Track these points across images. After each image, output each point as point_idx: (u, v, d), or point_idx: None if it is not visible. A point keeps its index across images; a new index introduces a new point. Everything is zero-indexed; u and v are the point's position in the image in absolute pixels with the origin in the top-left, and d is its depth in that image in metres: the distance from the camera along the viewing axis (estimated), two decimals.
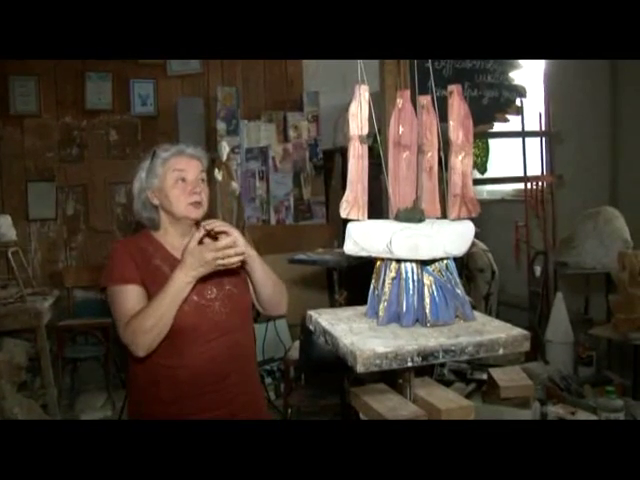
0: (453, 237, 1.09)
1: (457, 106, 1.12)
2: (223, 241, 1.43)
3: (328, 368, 2.75)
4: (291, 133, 4.54)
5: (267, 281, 1.60)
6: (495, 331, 1.07)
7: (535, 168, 3.19)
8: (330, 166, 4.50)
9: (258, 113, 4.59)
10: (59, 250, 4.57)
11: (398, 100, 1.14)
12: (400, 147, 1.14)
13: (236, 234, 1.48)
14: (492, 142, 4.06)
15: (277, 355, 3.87)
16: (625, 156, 3.20)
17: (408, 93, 1.15)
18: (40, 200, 4.47)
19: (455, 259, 1.15)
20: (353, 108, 1.08)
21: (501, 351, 1.06)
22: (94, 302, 4.47)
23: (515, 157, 3.34)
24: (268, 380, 3.83)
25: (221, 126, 4.38)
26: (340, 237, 4.37)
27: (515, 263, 3.33)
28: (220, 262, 1.42)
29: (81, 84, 4.54)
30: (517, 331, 1.08)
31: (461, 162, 1.12)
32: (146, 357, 1.50)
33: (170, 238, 1.61)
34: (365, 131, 1.09)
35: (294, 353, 3.26)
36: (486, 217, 3.96)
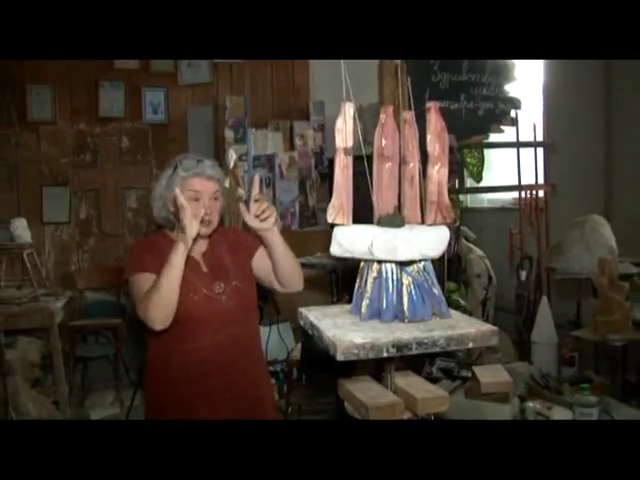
0: (429, 240, 1.20)
1: (434, 121, 1.23)
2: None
3: (328, 368, 2.84)
4: (297, 141, 4.65)
5: (286, 258, 1.73)
6: (466, 326, 1.17)
7: (530, 177, 3.28)
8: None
9: (265, 122, 4.71)
10: (72, 252, 4.71)
11: (381, 116, 1.25)
12: (383, 158, 1.25)
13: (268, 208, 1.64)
14: (491, 152, 4.15)
15: (280, 357, 3.96)
16: (618, 165, 3.28)
17: (391, 109, 1.26)
18: (54, 204, 4.62)
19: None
20: (339, 123, 1.19)
21: (471, 344, 1.16)
22: (105, 303, 4.60)
23: (511, 167, 3.43)
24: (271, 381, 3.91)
25: (229, 134, 4.49)
26: None
27: (510, 269, 3.42)
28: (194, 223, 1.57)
29: (95, 92, 4.69)
30: (486, 327, 1.18)
31: (437, 172, 1.23)
32: (160, 343, 1.67)
33: None
34: (350, 144, 1.20)
35: (297, 355, 3.36)
36: (485, 225, 4.07)
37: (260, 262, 1.79)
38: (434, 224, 1.23)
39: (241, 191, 3.92)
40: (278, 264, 1.73)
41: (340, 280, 3.32)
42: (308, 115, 4.75)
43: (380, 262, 1.20)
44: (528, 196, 3.13)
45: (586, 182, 3.36)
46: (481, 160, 3.87)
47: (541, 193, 3.21)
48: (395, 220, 1.23)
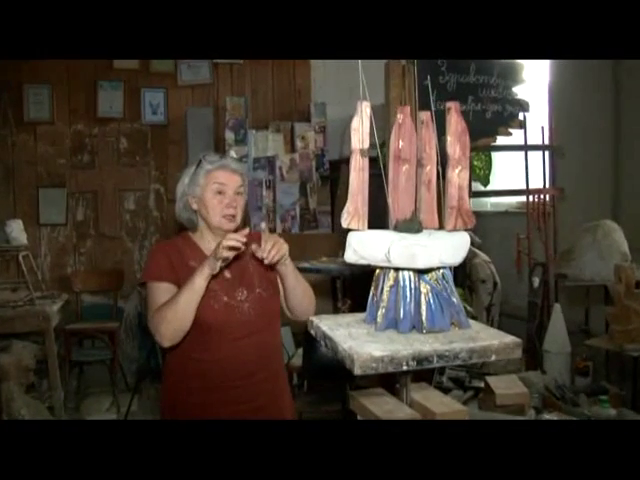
0: (449, 247, 1.14)
1: (454, 122, 1.17)
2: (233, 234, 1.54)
3: (331, 375, 2.79)
4: (298, 143, 4.59)
5: (298, 288, 1.68)
6: (488, 338, 1.12)
7: (538, 181, 3.23)
8: (336, 176, 4.55)
9: (266, 123, 4.66)
10: (68, 255, 4.64)
11: (398, 115, 1.19)
12: (400, 160, 1.19)
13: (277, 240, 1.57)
14: (496, 155, 4.11)
15: None
16: (626, 170, 3.24)
17: (408, 109, 1.20)
18: (51, 205, 4.55)
19: (457, 270, 1.20)
20: (355, 123, 1.13)
21: (493, 357, 1.10)
22: (101, 306, 4.54)
23: (518, 170, 3.39)
24: None
25: (229, 135, 4.45)
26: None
27: (517, 275, 3.37)
28: (223, 245, 1.50)
29: (93, 92, 4.63)
30: (510, 338, 1.13)
31: (457, 176, 1.17)
32: (180, 350, 1.62)
33: (206, 241, 1.71)
34: (366, 145, 1.14)
35: (297, 360, 3.30)
36: (489, 229, 4.01)
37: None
38: (454, 230, 1.17)
39: None
40: (287, 292, 1.69)
41: (341, 286, 3.26)
42: (309, 117, 4.70)
43: (397, 269, 1.14)
44: (536, 200, 3.07)
45: (593, 186, 3.31)
46: (489, 163, 3.82)
47: (548, 197, 3.16)
48: (413, 225, 1.17)
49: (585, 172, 3.33)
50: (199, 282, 1.53)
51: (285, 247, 1.57)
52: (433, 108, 1.18)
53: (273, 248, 1.53)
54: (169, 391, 1.73)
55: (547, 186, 3.17)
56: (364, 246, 1.14)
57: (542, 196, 3.09)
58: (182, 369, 1.66)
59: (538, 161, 3.21)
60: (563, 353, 2.20)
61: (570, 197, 3.22)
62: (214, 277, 1.61)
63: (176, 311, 1.53)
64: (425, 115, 1.21)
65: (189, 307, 1.54)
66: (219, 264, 1.53)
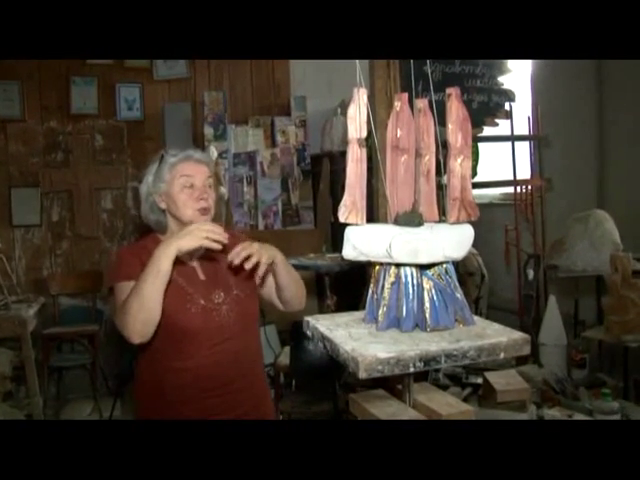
0: (452, 241, 1.09)
1: (455, 109, 1.11)
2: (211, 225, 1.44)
3: (319, 374, 2.73)
4: (279, 138, 4.52)
5: (291, 283, 1.60)
6: (496, 335, 1.07)
7: (524, 172, 3.21)
8: (318, 171, 4.50)
9: (245, 118, 4.57)
10: (44, 257, 4.50)
11: (396, 103, 1.13)
12: (398, 151, 1.13)
13: (255, 245, 1.47)
14: (481, 146, 4.08)
15: (267, 361, 3.84)
16: (612, 160, 3.24)
17: (406, 96, 1.14)
18: (24, 206, 4.40)
19: None
20: (351, 111, 1.07)
21: (502, 355, 1.06)
22: (80, 309, 4.42)
23: (504, 161, 3.37)
24: None
25: (208, 131, 4.35)
26: (328, 242, 4.35)
27: (505, 267, 3.35)
28: (204, 237, 1.38)
29: (66, 88, 4.48)
30: (518, 335, 1.08)
31: (460, 165, 1.11)
32: (153, 360, 1.52)
33: None
34: (364, 134, 1.08)
35: (284, 359, 3.24)
36: (475, 221, 3.99)
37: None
38: (457, 222, 1.12)
39: (223, 190, 3.78)
40: (280, 288, 1.60)
41: (329, 282, 3.20)
42: (289, 111, 4.62)
43: (398, 265, 1.09)
44: (523, 191, 3.05)
45: (578, 176, 3.31)
46: (476, 155, 3.79)
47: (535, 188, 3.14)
48: (414, 218, 1.12)
49: (570, 162, 3.32)
50: (165, 264, 1.36)
51: (265, 256, 1.44)
52: (433, 96, 1.12)
53: (248, 257, 1.42)
54: (144, 405, 1.60)
55: (534, 176, 3.15)
56: (364, 241, 1.08)
57: (529, 187, 3.07)
58: (157, 381, 1.54)
59: (524, 152, 3.19)
60: (559, 345, 2.17)
61: (557, 187, 3.21)
62: (188, 279, 1.51)
63: (141, 301, 1.36)
64: (422, 102, 1.16)
65: (155, 295, 1.37)
66: (188, 248, 1.38)
